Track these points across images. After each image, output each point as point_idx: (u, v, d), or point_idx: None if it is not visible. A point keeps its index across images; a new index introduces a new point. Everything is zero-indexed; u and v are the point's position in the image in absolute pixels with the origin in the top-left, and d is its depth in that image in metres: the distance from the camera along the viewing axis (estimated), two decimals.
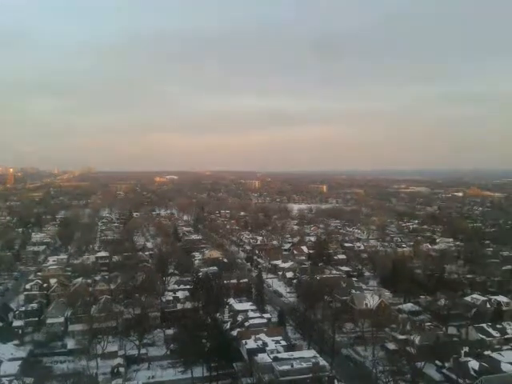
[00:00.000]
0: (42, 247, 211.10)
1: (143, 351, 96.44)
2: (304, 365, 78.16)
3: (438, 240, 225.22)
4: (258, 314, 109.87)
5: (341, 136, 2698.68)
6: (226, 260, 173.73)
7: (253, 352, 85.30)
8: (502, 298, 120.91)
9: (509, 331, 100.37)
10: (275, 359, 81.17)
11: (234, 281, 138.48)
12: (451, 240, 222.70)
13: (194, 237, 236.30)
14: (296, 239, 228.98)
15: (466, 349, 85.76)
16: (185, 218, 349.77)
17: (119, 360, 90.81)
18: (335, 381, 77.37)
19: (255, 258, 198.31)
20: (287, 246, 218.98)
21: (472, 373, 78.59)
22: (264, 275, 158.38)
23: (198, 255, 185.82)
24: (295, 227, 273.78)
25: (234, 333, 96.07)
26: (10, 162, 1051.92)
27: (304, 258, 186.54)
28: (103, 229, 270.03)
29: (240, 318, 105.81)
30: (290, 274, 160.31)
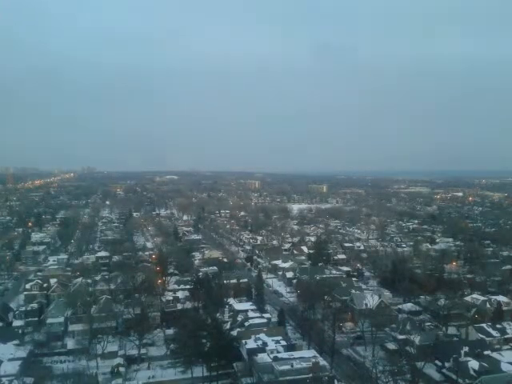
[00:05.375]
0: (42, 247, 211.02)
1: (143, 351, 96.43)
2: (304, 365, 78.08)
3: (437, 240, 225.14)
4: (258, 314, 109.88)
5: (341, 136, 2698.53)
6: (225, 260, 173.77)
7: (253, 352, 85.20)
8: (502, 298, 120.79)
9: (509, 331, 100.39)
10: (275, 359, 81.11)
11: (234, 281, 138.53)
12: (451, 240, 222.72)
13: (194, 237, 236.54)
14: (296, 239, 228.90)
15: (466, 349, 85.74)
16: (185, 217, 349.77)
17: (119, 360, 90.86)
18: (335, 381, 77.24)
19: (255, 257, 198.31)
20: (287, 245, 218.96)
21: (472, 373, 78.58)
22: (264, 275, 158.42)
23: (198, 255, 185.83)
24: (295, 227, 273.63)
25: (234, 333, 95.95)
26: (10, 161, 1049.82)
27: (304, 257, 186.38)
28: (103, 229, 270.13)
29: (240, 318, 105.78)
30: (290, 274, 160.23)
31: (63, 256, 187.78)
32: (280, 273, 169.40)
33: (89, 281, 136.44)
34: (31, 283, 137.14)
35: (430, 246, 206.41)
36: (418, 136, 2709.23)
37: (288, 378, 75.09)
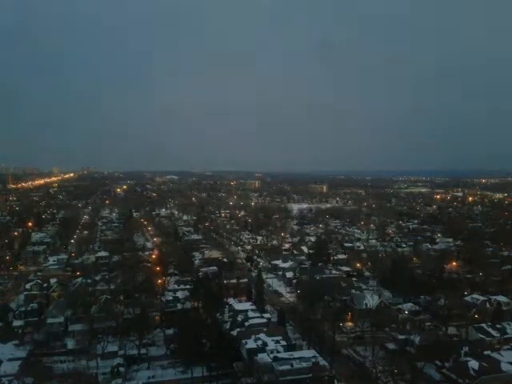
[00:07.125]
0: (42, 247, 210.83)
1: (143, 351, 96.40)
2: (304, 365, 78.19)
3: (437, 240, 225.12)
4: (257, 314, 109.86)
5: (341, 136, 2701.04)
6: (225, 260, 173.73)
7: (253, 352, 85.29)
8: (501, 298, 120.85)
9: (509, 331, 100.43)
10: (275, 359, 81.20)
11: (234, 281, 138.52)
12: (451, 240, 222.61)
13: (194, 237, 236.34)
14: (296, 239, 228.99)
15: (466, 349, 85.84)
16: (185, 217, 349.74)
17: (119, 360, 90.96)
18: (335, 381, 77.47)
19: (255, 257, 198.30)
20: (287, 245, 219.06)
21: (472, 373, 78.56)
22: (264, 275, 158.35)
23: (198, 255, 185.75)
24: (295, 227, 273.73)
25: (234, 333, 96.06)
26: (10, 161, 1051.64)
27: (304, 257, 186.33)
28: (103, 229, 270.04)
29: (240, 318, 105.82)
30: (289, 274, 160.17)
31: (63, 256, 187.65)
32: (280, 273, 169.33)
33: (89, 281, 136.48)
34: (31, 283, 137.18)
35: (430, 246, 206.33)
36: (419, 136, 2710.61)
37: (288, 378, 75.22)
